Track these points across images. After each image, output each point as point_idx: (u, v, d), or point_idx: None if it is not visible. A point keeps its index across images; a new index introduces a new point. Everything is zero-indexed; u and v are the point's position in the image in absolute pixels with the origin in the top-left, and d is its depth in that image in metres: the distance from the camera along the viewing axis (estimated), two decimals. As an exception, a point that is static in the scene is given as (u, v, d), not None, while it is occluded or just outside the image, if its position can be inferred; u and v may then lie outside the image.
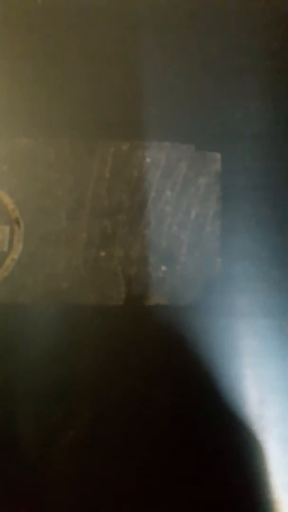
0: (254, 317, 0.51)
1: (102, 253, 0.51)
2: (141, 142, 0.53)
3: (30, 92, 0.55)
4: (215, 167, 0.53)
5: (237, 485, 0.48)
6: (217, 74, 0.56)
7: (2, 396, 0.49)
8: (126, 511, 0.48)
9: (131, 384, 0.50)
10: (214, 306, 0.51)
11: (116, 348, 0.50)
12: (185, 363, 0.50)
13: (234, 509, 0.49)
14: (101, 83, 0.55)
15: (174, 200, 0.53)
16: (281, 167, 0.54)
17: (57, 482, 0.48)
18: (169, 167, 0.53)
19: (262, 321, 0.51)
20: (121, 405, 0.49)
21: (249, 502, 0.48)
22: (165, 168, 0.53)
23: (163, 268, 0.51)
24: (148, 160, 0.53)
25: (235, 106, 0.55)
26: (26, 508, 0.48)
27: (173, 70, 0.56)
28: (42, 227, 0.52)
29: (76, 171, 0.53)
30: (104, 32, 0.56)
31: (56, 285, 0.51)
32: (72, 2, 0.57)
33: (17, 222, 0.51)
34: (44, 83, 0.55)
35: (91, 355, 0.50)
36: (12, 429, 0.49)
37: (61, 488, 0.48)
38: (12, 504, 0.48)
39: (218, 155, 0.53)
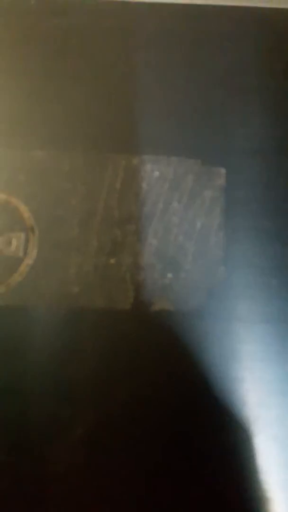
0: (254, 322, 0.52)
1: (112, 260, 0.53)
2: (150, 157, 0.55)
3: (46, 108, 0.56)
4: (219, 181, 0.55)
5: (235, 484, 0.49)
6: (223, 93, 0.57)
7: (13, 395, 0.50)
8: (129, 506, 0.49)
9: (136, 385, 0.50)
10: (216, 312, 0.52)
11: (122, 350, 0.51)
12: (187, 365, 0.50)
13: (232, 507, 0.49)
14: (113, 101, 0.57)
15: (180, 211, 0.54)
16: (282, 181, 0.55)
17: (64, 477, 0.49)
18: (176, 180, 0.55)
19: (262, 327, 0.51)
20: (126, 405, 0.50)
21: (247, 501, 0.48)
22: (173, 181, 0.55)
23: (169, 275, 0.53)
24: (156, 173, 0.55)
25: (239, 123, 0.56)
26: (34, 503, 0.48)
27: (180, 89, 0.57)
28: (56, 234, 0.53)
29: (88, 182, 0.54)
30: (115, 52, 0.58)
31: (67, 290, 0.52)
32: (85, 24, 0.59)
33: (32, 230, 0.53)
34: (60, 99, 0.57)
35: (99, 356, 0.51)
36: (23, 427, 0.50)
37: (68, 482, 0.49)
38: (20, 499, 0.48)
39: (222, 170, 0.55)
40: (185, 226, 0.54)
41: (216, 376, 0.50)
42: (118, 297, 0.52)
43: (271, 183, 0.55)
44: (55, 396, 0.50)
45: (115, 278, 0.52)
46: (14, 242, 0.53)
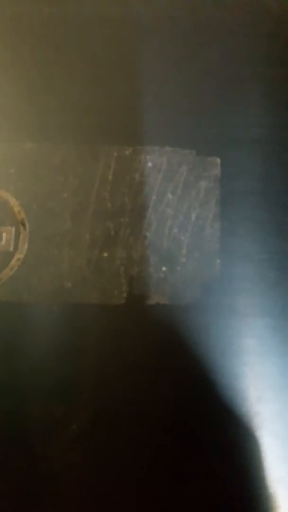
0: (252, 316, 0.51)
1: (105, 254, 0.52)
2: (143, 147, 0.54)
3: (36, 99, 0.56)
4: (214, 172, 0.54)
5: (235, 480, 0.49)
6: (218, 82, 0.57)
7: (7, 391, 0.50)
8: (127, 504, 0.49)
9: (132, 380, 0.50)
10: (213, 305, 0.51)
11: (117, 345, 0.51)
12: (184, 361, 0.50)
13: (233, 503, 0.49)
14: (105, 91, 0.56)
15: (175, 203, 0.54)
16: (278, 171, 0.54)
17: (60, 473, 0.49)
18: (170, 171, 0.54)
19: (260, 321, 0.51)
20: (122, 400, 0.50)
21: (247, 496, 0.48)
22: (166, 172, 0.54)
23: (164, 268, 0.52)
24: (150, 164, 0.54)
25: (234, 112, 0.56)
26: (30, 500, 0.48)
27: (175, 78, 0.57)
28: (47, 228, 0.53)
29: (80, 175, 0.54)
30: (109, 42, 0.58)
31: (60, 285, 0.51)
32: (78, 13, 0.59)
33: (23, 223, 0.53)
34: (50, 90, 0.56)
35: (94, 352, 0.51)
36: (18, 423, 0.49)
37: (64, 479, 0.49)
38: (17, 495, 0.49)
39: (217, 160, 0.54)
40: (179, 218, 0.53)
41: (214, 371, 0.50)
42: (112, 291, 0.52)
43: (267, 173, 0.54)
44: (49, 393, 0.50)
45: (108, 272, 0.52)
46: (4, 236, 0.52)
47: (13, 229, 0.52)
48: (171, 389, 0.50)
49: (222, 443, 0.49)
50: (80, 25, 0.58)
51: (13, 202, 0.53)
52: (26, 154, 0.54)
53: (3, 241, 0.52)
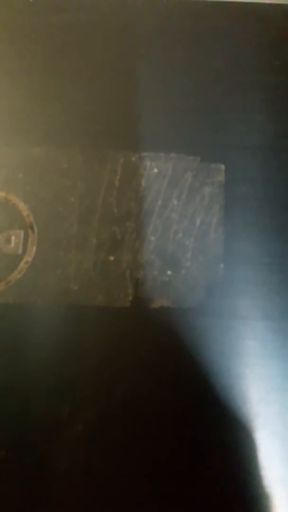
0: (254, 319, 0.52)
1: (111, 257, 0.53)
2: (149, 153, 0.55)
3: (44, 105, 0.57)
4: (219, 178, 0.55)
5: (236, 480, 0.49)
6: (222, 90, 0.57)
7: (14, 391, 0.50)
8: (131, 503, 0.49)
9: (136, 382, 0.50)
10: (216, 308, 0.52)
11: (122, 347, 0.51)
12: (187, 362, 0.50)
13: (233, 503, 0.49)
14: (112, 98, 0.57)
15: (179, 208, 0.54)
16: (281, 178, 0.55)
17: (64, 476, 0.49)
18: (175, 177, 0.55)
19: (262, 323, 0.52)
20: (127, 402, 0.50)
21: (247, 496, 0.49)
22: (172, 178, 0.55)
23: (169, 272, 0.53)
24: (155, 170, 0.55)
25: (238, 120, 0.57)
26: (35, 500, 0.48)
27: (180, 86, 0.57)
28: (55, 232, 0.53)
29: (87, 180, 0.54)
30: (117, 50, 0.58)
31: (66, 287, 0.52)
32: (86, 22, 0.59)
33: (31, 227, 0.53)
34: (57, 97, 0.57)
35: (98, 353, 0.51)
36: (24, 423, 0.50)
37: (68, 481, 0.49)
38: (23, 494, 0.49)
39: (222, 166, 0.55)
40: (184, 223, 0.54)
41: (216, 373, 0.50)
42: (117, 294, 0.52)
43: (271, 180, 0.55)
44: (55, 394, 0.50)
45: (114, 275, 0.52)
46: (13, 239, 0.53)
47: (21, 233, 0.53)
48: (174, 390, 0.50)
49: (224, 444, 0.49)
50: (88, 33, 0.59)
51: (22, 206, 0.53)
52: (34, 159, 0.55)
53: (12, 244, 0.52)
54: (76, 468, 0.49)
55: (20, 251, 0.53)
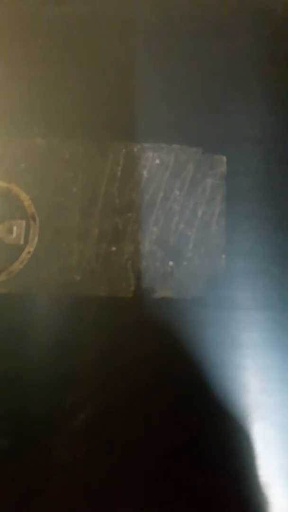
0: (255, 310, 0.52)
1: (113, 248, 0.53)
2: (151, 144, 0.55)
3: (46, 96, 0.56)
4: (220, 169, 0.55)
5: (236, 471, 0.49)
6: (224, 81, 0.58)
7: (16, 382, 0.50)
8: (131, 496, 0.49)
9: (138, 373, 0.51)
10: (218, 299, 0.52)
11: (124, 337, 0.51)
12: (189, 353, 0.51)
13: (233, 494, 0.50)
14: (114, 89, 0.57)
15: (181, 199, 0.54)
16: (282, 169, 0.55)
17: (66, 468, 0.49)
18: (177, 168, 0.55)
19: (263, 314, 0.52)
20: (128, 394, 0.50)
21: (248, 486, 0.49)
22: (174, 169, 0.55)
23: (171, 263, 0.53)
24: (157, 161, 0.55)
25: (240, 112, 0.57)
26: (36, 492, 0.49)
27: (181, 77, 0.57)
28: (57, 222, 0.53)
29: (89, 170, 0.54)
30: (118, 41, 0.58)
31: (69, 278, 0.52)
32: (87, 13, 0.59)
33: (33, 217, 0.53)
34: (59, 87, 0.57)
35: (100, 343, 0.51)
36: (27, 413, 0.50)
37: (69, 473, 0.49)
38: (25, 485, 0.49)
39: (223, 158, 0.55)
40: (186, 214, 0.54)
41: (218, 363, 0.51)
42: (119, 285, 0.52)
43: (272, 171, 0.55)
44: (56, 385, 0.50)
45: (116, 266, 0.53)
46: (15, 229, 0.53)
47: (23, 223, 0.53)
48: (176, 382, 0.51)
49: (224, 435, 0.50)
50: (89, 24, 0.59)
51: (24, 196, 0.53)
52: (36, 150, 0.55)
53: (14, 235, 0.52)
54: (77, 460, 0.49)
55: (22, 242, 0.53)
